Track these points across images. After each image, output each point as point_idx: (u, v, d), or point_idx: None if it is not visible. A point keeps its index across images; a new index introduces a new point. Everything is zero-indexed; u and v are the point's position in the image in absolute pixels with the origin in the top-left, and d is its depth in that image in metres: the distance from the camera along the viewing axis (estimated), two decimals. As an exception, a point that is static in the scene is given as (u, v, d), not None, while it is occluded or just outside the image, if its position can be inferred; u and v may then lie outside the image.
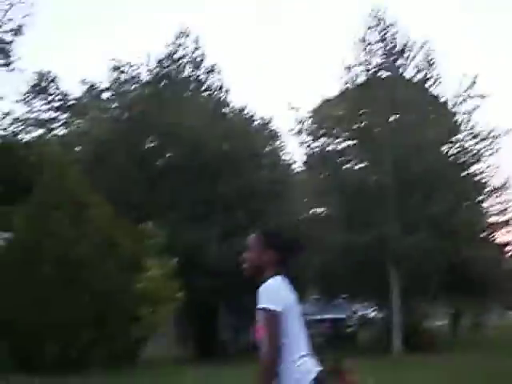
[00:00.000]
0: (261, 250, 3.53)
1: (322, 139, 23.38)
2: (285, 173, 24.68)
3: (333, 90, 25.07)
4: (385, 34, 22.05)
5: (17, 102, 34.64)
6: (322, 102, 24.14)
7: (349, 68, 22.19)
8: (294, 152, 29.43)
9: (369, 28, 22.16)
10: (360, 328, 30.19)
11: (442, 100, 22.40)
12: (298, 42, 71.25)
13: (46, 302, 13.90)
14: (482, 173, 22.67)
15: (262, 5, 65.43)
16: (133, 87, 23.03)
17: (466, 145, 22.31)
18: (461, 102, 21.85)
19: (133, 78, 23.28)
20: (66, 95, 37.88)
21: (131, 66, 23.03)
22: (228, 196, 20.27)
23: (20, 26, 22.89)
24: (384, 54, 22.12)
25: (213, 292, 19.25)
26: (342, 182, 21.67)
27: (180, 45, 23.34)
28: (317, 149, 23.25)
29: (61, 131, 42.81)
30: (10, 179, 36.40)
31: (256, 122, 24.42)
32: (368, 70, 22.21)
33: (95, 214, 15.25)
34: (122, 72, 23.20)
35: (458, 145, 22.51)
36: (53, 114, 39.61)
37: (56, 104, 40.36)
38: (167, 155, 21.32)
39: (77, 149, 34.82)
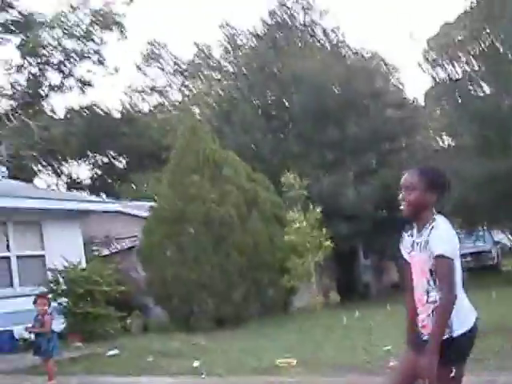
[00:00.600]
0: (423, 191, 3.43)
1: (447, 67, 22.31)
2: (411, 108, 23.89)
3: (453, 13, 23.81)
4: None
5: (133, 72, 35.72)
6: (442, 27, 22.98)
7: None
8: (419, 85, 28.50)
9: None
10: (503, 258, 29.34)
11: None
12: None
13: (197, 264, 14.33)
14: None
15: None
16: (247, 41, 23.01)
17: None
18: None
19: (245, 33, 23.28)
20: (178, 60, 38.53)
21: (243, 22, 22.94)
22: (357, 139, 19.90)
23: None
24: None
25: (352, 236, 19.18)
26: (475, 110, 20.64)
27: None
28: (443, 78, 22.25)
29: (179, 95, 43.81)
30: (135, 149, 37.87)
31: (376, 60, 23.72)
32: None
33: (232, 172, 15.43)
34: (234, 29, 23.26)
35: None
36: (169, 80, 40.47)
37: (171, 69, 41.22)
38: (291, 104, 21.15)
39: (198, 110, 35.54)
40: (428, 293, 3.39)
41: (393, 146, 20.23)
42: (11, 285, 14.72)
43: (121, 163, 43.21)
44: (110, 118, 38.53)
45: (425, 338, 3.40)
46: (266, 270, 14.92)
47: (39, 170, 40.38)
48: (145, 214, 18.07)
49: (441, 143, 25.26)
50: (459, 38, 21.73)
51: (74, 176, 42.64)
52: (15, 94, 28.33)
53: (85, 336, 12.67)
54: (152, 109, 42.49)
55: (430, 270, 3.36)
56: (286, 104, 20.62)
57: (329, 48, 22.08)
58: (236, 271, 14.38)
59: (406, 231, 3.59)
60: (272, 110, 20.79)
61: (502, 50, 20.94)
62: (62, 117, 36.67)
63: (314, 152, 19.87)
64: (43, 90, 30.33)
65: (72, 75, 29.66)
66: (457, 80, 22.08)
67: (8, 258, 14.75)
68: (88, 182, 42.33)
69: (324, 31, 22.88)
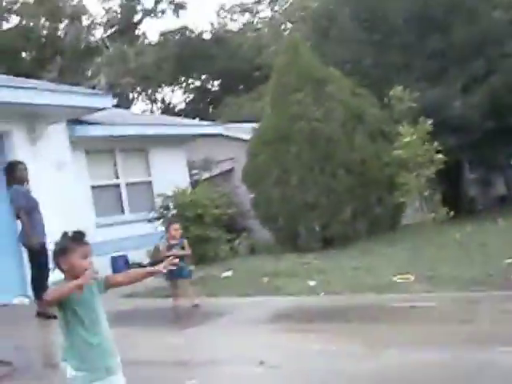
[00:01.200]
0: None
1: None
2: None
3: None
4: None
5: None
6: None
7: None
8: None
9: None
10: None
11: None
12: None
13: (303, 184, 14.15)
14: None
15: None
16: None
17: None
18: None
19: None
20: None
21: None
22: (462, 46, 18.73)
23: None
24: None
25: (460, 149, 18.38)
26: None
27: None
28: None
29: (268, 13, 42.81)
30: (227, 70, 37.63)
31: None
32: None
33: (335, 88, 14.94)
34: None
35: None
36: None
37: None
38: (392, 13, 20.04)
39: (289, 26, 34.61)
40: None
41: (502, 51, 18.92)
42: (122, 211, 15.16)
43: (213, 86, 43.23)
44: (201, 40, 38.33)
45: None
46: (374, 187, 14.57)
47: (135, 97, 41.05)
48: (244, 135, 17.99)
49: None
50: None
51: (168, 101, 43.13)
52: (110, 22, 28.48)
53: (196, 259, 12.91)
54: (242, 27, 41.87)
55: None
56: (387, 13, 19.61)
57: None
58: (343, 190, 14.10)
59: None
60: (372, 19, 19.82)
61: None
62: (155, 43, 36.79)
63: (416, 63, 18.92)
64: (137, 16, 30.36)
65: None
66: None
67: (118, 185, 15.13)
68: (182, 106, 42.72)
69: None
